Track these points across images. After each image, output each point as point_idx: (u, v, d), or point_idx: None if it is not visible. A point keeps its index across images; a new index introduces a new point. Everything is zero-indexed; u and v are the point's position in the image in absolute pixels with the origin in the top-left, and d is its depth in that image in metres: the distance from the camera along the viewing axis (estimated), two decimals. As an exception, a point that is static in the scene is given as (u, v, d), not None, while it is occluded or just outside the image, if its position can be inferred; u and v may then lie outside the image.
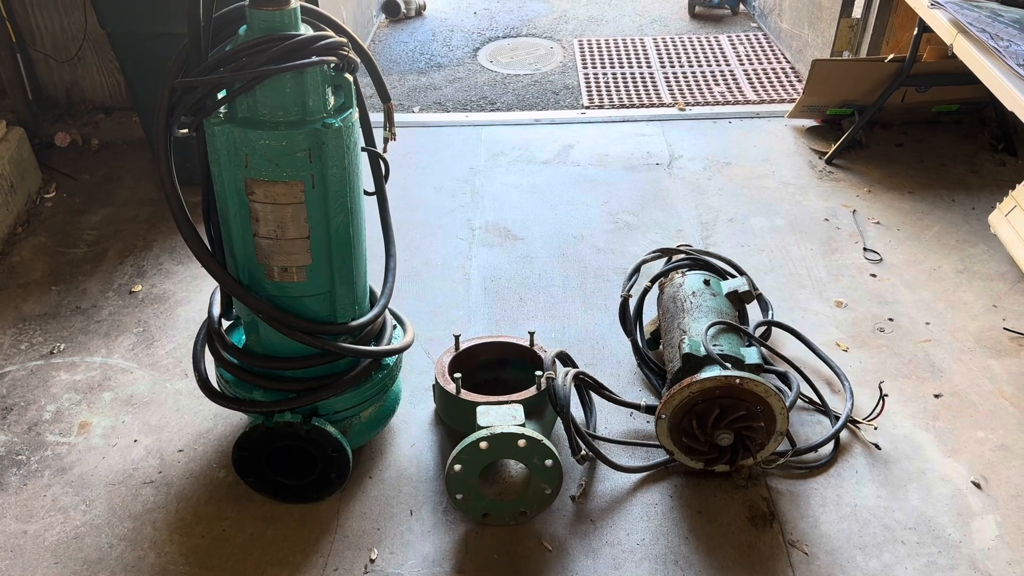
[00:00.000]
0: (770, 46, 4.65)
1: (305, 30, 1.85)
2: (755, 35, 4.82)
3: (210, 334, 2.20)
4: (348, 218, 2.00)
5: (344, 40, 1.89)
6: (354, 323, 2.12)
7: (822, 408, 2.45)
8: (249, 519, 2.19)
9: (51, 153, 3.72)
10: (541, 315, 2.84)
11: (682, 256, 2.75)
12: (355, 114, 1.96)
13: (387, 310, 2.29)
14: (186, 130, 1.88)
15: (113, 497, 2.25)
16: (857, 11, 3.68)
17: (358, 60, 1.94)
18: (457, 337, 2.45)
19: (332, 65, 1.84)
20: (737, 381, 2.12)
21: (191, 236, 1.93)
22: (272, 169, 1.85)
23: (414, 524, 2.17)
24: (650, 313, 2.70)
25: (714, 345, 2.24)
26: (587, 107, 4.11)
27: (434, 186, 3.54)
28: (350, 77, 1.93)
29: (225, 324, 2.23)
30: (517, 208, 3.39)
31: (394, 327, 2.33)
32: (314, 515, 2.19)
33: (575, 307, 2.88)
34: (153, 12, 3.02)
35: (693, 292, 2.47)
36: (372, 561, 2.08)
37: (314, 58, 1.79)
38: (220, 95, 1.82)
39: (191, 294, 2.94)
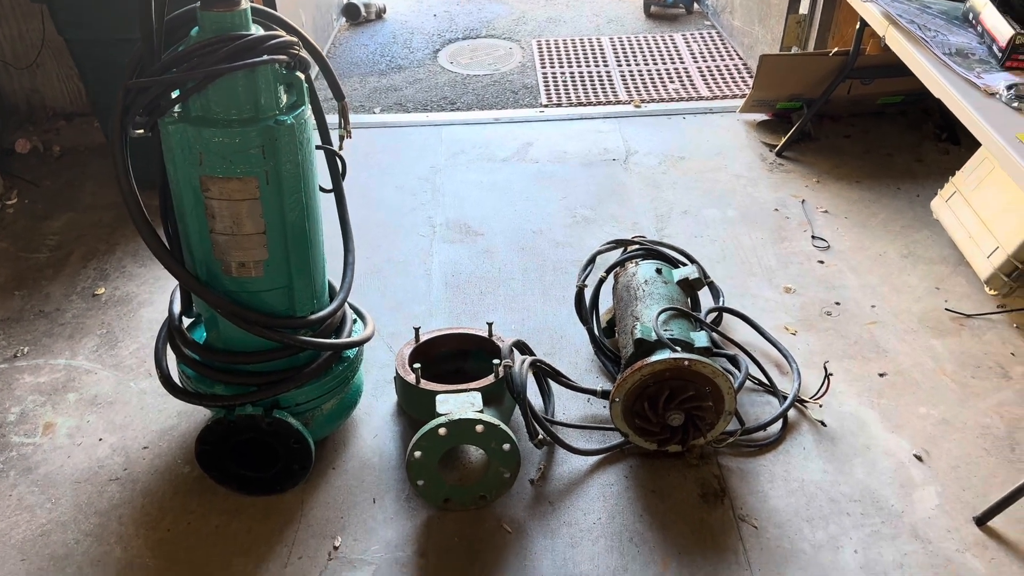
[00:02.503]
0: (723, 43, 4.76)
1: (256, 31, 1.90)
2: (708, 33, 4.93)
3: (171, 331, 2.24)
4: (303, 213, 2.06)
5: (295, 39, 1.94)
6: (313, 317, 2.17)
7: (770, 388, 2.54)
8: (214, 512, 2.23)
9: (12, 160, 3.72)
10: (501, 308, 2.91)
11: (636, 247, 2.83)
12: (308, 111, 2.01)
13: (347, 304, 2.34)
14: (141, 130, 1.93)
15: (79, 495, 2.27)
16: (804, 7, 3.79)
17: (310, 59, 2.00)
18: (417, 330, 2.51)
19: (283, 64, 1.89)
20: (686, 363, 2.20)
21: (149, 234, 1.97)
22: (226, 166, 1.89)
23: (377, 512, 2.22)
24: (606, 303, 2.77)
25: (665, 330, 2.32)
26: (545, 106, 4.19)
27: (395, 185, 3.59)
28: (301, 75, 1.98)
29: (186, 322, 2.27)
30: (477, 205, 3.45)
31: (354, 321, 2.39)
32: (278, 506, 2.24)
33: (534, 299, 2.94)
34: (110, 19, 3.05)
35: (646, 280, 2.54)
36: (336, 548, 2.13)
37: (265, 57, 1.84)
38: (174, 95, 1.87)
39: (154, 295, 2.97)
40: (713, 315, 2.74)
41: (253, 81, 1.86)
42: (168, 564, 2.10)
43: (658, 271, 2.59)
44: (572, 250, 3.17)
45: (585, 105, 4.16)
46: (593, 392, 2.45)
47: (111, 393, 2.59)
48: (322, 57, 2.14)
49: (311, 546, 2.13)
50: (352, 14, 5.24)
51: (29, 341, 2.78)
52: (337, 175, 2.29)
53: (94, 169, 3.70)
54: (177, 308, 2.26)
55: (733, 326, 2.77)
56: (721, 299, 2.77)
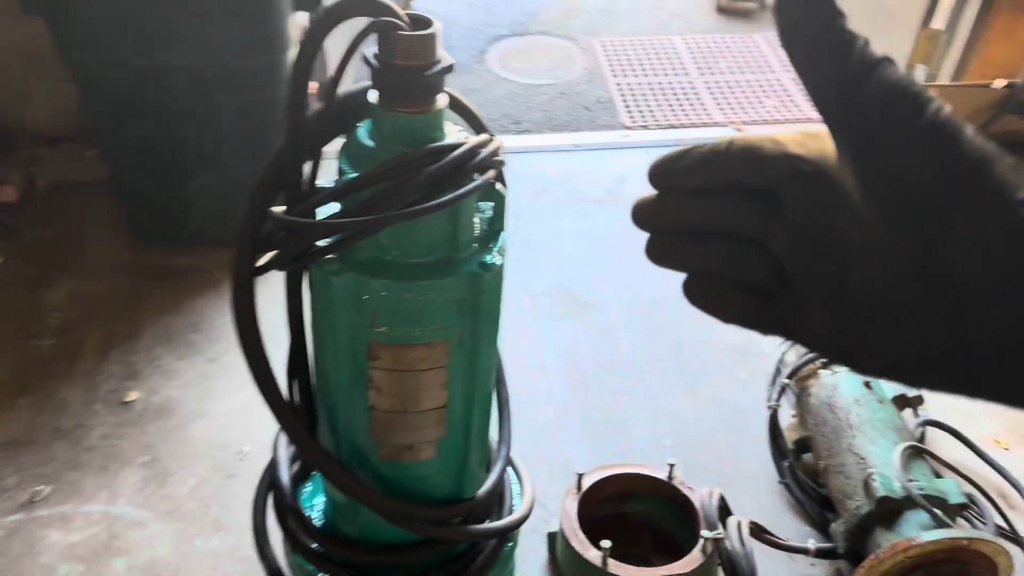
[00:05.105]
0: (809, 48, 4.21)
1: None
2: (787, 34, 4.37)
3: (283, 510, 1.63)
4: (493, 374, 1.48)
5: (499, 142, 1.34)
6: (479, 493, 1.60)
7: (1012, 535, 2.06)
8: None
9: (-12, 203, 2.97)
10: (644, 415, 2.36)
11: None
12: (505, 236, 1.42)
13: (506, 459, 1.77)
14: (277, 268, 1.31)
15: None
16: (940, 20, 3.27)
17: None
18: (580, 476, 1.96)
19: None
20: (965, 543, 1.71)
21: (288, 420, 1.36)
22: (408, 328, 1.29)
23: None
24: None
25: (910, 480, 1.82)
26: (629, 127, 3.60)
27: (474, 235, 2.98)
28: (503, 190, 1.39)
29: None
30: (578, 264, 2.87)
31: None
32: None
33: (680, 401, 2.41)
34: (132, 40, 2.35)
35: (856, 400, 2.04)
36: None
37: (476, 180, 1.24)
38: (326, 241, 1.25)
39: (203, 403, 2.33)
40: (919, 432, 2.24)
41: (455, 213, 1.25)
42: None
43: (867, 385, 2.08)
44: (706, 328, 2.60)
45: (676, 127, 3.59)
46: (805, 551, 1.94)
47: (172, 557, 1.97)
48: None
49: None
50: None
51: (49, 476, 2.12)
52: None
53: (93, 213, 2.98)
54: (285, 475, 1.65)
55: (932, 438, 2.28)
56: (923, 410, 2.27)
